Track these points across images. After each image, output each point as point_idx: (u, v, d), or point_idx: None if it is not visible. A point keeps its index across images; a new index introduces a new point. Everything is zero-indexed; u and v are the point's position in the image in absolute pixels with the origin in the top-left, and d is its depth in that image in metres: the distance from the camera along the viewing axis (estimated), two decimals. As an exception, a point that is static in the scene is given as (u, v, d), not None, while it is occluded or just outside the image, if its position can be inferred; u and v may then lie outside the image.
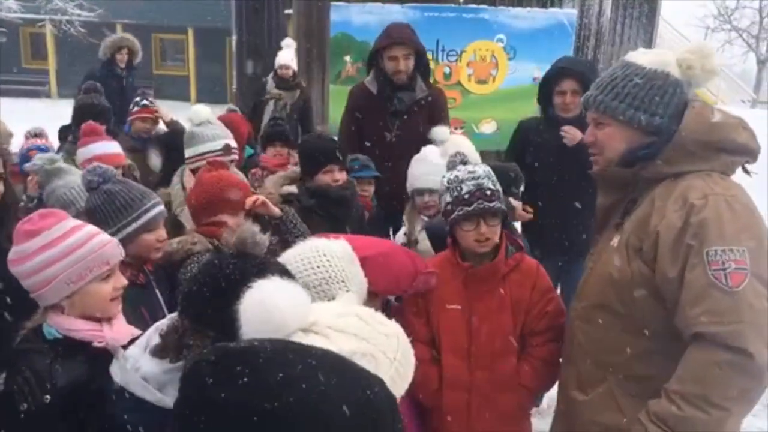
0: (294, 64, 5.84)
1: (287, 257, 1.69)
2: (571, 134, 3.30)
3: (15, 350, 1.63)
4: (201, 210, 2.35)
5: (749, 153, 1.69)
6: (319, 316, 1.19)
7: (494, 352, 2.06)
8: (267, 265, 1.46)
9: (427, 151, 3.21)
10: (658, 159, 1.69)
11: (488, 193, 2.05)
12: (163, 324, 1.55)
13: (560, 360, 2.04)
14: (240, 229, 1.50)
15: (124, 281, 1.74)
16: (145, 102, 4.61)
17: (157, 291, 2.15)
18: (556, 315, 2.11)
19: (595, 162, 1.85)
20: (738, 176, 1.73)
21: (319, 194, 2.79)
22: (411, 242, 3.01)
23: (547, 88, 3.48)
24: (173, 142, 3.63)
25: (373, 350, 1.19)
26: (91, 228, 1.71)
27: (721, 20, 27.57)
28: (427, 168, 3.04)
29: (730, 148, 1.67)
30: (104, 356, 1.58)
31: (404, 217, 3.19)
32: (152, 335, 1.51)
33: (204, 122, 2.94)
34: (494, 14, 11.20)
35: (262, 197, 2.44)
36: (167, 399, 1.36)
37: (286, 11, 12.38)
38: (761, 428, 3.31)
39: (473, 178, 2.07)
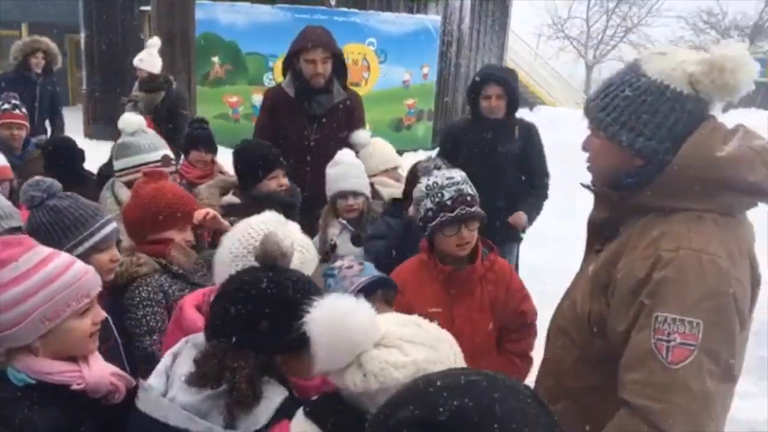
0: (151, 65, 5.45)
1: (226, 243, 1.72)
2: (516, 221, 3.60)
3: None
4: (143, 226, 2.11)
5: (763, 193, 1.43)
6: (386, 328, 1.21)
7: (475, 350, 2.08)
8: (300, 277, 1.43)
9: (344, 154, 3.18)
10: (647, 189, 1.46)
11: (469, 198, 2.08)
12: (182, 350, 1.40)
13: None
14: (264, 241, 1.42)
15: (103, 314, 1.53)
16: (6, 106, 4.07)
17: (108, 317, 1.91)
18: (530, 313, 2.18)
19: (589, 171, 1.64)
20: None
21: (267, 202, 2.63)
22: (327, 247, 2.97)
23: (474, 92, 3.63)
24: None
25: (440, 357, 1.22)
26: (66, 256, 1.47)
27: (554, 29, 30.30)
28: (349, 170, 3.03)
29: (737, 187, 1.41)
30: (82, 399, 1.42)
31: (320, 221, 3.12)
32: (176, 362, 1.38)
33: (138, 131, 2.66)
34: (365, 18, 11.41)
35: (212, 211, 2.26)
36: (216, 428, 1.24)
37: (143, 8, 11.63)
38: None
39: (453, 184, 2.08)
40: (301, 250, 1.72)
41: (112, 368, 1.54)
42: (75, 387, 1.41)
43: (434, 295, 2.12)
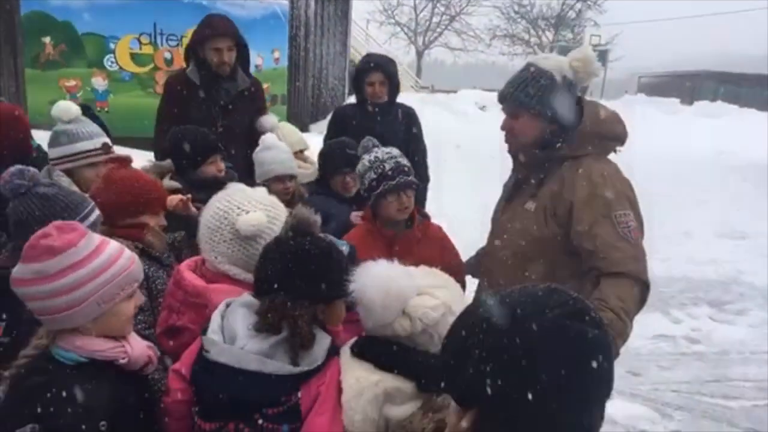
0: None
1: (203, 221, 1.94)
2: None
3: (35, 383, 1.46)
4: (120, 211, 2.21)
5: (621, 140, 2.29)
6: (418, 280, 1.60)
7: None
8: (331, 241, 1.75)
9: (270, 137, 3.38)
10: (564, 145, 2.22)
11: (406, 169, 2.46)
12: (229, 311, 1.62)
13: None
14: (297, 212, 1.68)
15: (143, 298, 1.69)
16: None
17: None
18: (460, 266, 2.61)
19: (510, 145, 2.35)
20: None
21: (208, 186, 2.78)
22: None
23: (358, 79, 3.96)
24: None
25: (456, 293, 1.65)
26: (114, 243, 1.60)
27: (386, 15, 31.48)
28: (281, 154, 3.22)
29: (610, 137, 2.25)
30: (124, 372, 1.60)
31: None
32: (227, 320, 1.60)
33: (75, 119, 2.63)
34: (212, 1, 11.16)
35: (184, 197, 2.39)
36: (287, 366, 1.52)
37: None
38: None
39: (392, 158, 2.44)
40: (268, 209, 1.94)
41: (145, 342, 1.71)
42: (121, 362, 1.57)
43: (380, 256, 2.47)
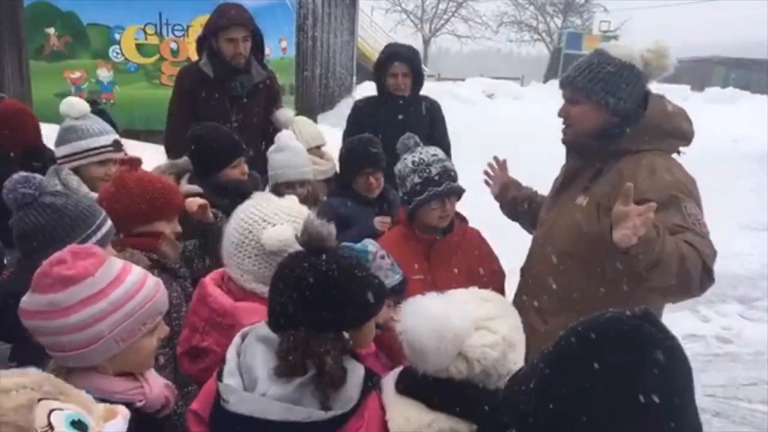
0: None
1: (226, 235, 1.77)
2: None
3: None
4: (133, 218, 2.03)
5: (687, 138, 2.11)
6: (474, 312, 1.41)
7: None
8: (351, 255, 1.55)
9: (286, 136, 3.18)
10: (624, 137, 2.05)
11: (452, 174, 2.27)
12: (245, 346, 1.43)
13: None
14: (309, 226, 1.45)
15: (167, 329, 1.50)
16: None
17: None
18: (500, 273, 2.43)
19: (565, 133, 2.17)
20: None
21: (231, 191, 2.59)
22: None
23: (380, 70, 3.75)
24: None
25: (516, 321, 1.44)
26: (137, 270, 1.41)
27: (391, 2, 31.12)
28: (295, 158, 3.04)
29: (676, 134, 2.09)
30: (140, 414, 1.41)
31: None
32: (245, 358, 1.41)
33: (85, 115, 2.45)
34: (218, -11, 10.94)
35: (203, 200, 2.21)
36: (318, 411, 1.31)
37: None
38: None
39: (438, 160, 2.25)
40: (297, 221, 1.74)
41: (163, 380, 1.53)
42: (138, 405, 1.39)
43: (416, 263, 2.29)
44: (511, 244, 2.80)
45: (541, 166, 3.34)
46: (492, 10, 32.43)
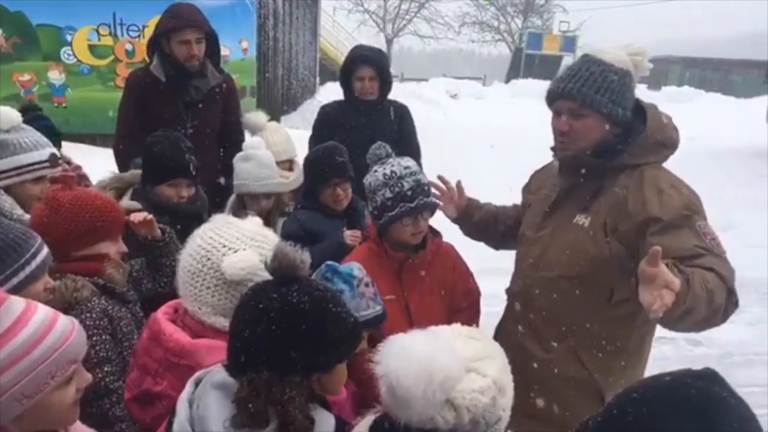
0: None
1: (182, 263, 1.60)
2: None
3: None
4: (72, 241, 1.83)
5: (676, 147, 2.00)
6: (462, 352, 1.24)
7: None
8: (324, 287, 1.36)
9: (255, 145, 3.01)
10: (625, 152, 1.91)
11: (426, 188, 2.13)
12: (198, 393, 1.26)
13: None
14: (279, 252, 1.29)
15: (88, 377, 1.30)
16: None
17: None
18: (475, 291, 2.30)
19: (566, 148, 1.98)
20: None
21: (168, 211, 2.40)
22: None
23: (347, 73, 3.59)
24: None
25: (503, 362, 1.30)
26: (44, 309, 1.21)
27: (354, 3, 30.91)
28: (262, 170, 2.87)
29: (669, 144, 1.97)
30: None
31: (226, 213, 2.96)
32: (197, 409, 1.23)
33: (16, 127, 2.21)
34: (175, -12, 10.59)
35: (148, 215, 2.02)
36: None
37: None
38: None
39: (411, 174, 2.11)
40: (261, 246, 1.60)
41: None
42: None
43: (386, 283, 2.14)
44: (478, 254, 2.71)
45: (504, 165, 3.23)
46: (454, 10, 32.60)
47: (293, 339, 1.22)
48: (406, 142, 3.75)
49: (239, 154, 2.95)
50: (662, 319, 1.57)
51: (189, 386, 1.30)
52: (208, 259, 1.54)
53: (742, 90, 25.46)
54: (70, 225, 1.82)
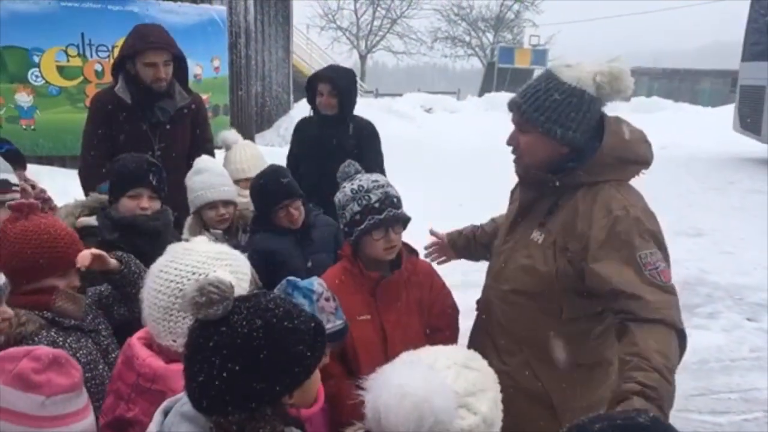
0: None
1: (148, 299, 1.57)
2: None
3: None
4: (18, 276, 1.72)
5: (647, 162, 1.94)
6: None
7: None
8: (275, 305, 1.25)
9: (205, 160, 3.00)
10: (579, 170, 1.87)
11: (395, 200, 2.10)
12: (175, 426, 1.20)
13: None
14: (203, 283, 1.20)
15: None
16: None
17: None
18: (454, 310, 2.26)
19: (516, 164, 2.00)
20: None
21: (123, 226, 2.34)
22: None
23: (310, 89, 3.70)
24: None
25: (495, 395, 1.30)
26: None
27: (327, 20, 31.08)
28: (215, 178, 2.86)
29: (638, 161, 1.91)
30: None
31: (183, 237, 2.91)
32: None
33: None
34: (144, 7, 10.52)
35: (98, 251, 1.94)
36: None
37: None
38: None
39: (379, 187, 2.08)
40: (228, 263, 1.59)
41: None
42: None
43: (361, 303, 2.10)
44: (458, 267, 2.67)
45: (480, 177, 3.24)
46: (426, 26, 32.92)
47: (255, 371, 1.16)
48: (364, 157, 3.71)
49: (190, 171, 2.91)
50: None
51: (158, 416, 1.26)
52: (180, 290, 1.50)
53: (710, 99, 26.06)
54: (12, 260, 1.75)
